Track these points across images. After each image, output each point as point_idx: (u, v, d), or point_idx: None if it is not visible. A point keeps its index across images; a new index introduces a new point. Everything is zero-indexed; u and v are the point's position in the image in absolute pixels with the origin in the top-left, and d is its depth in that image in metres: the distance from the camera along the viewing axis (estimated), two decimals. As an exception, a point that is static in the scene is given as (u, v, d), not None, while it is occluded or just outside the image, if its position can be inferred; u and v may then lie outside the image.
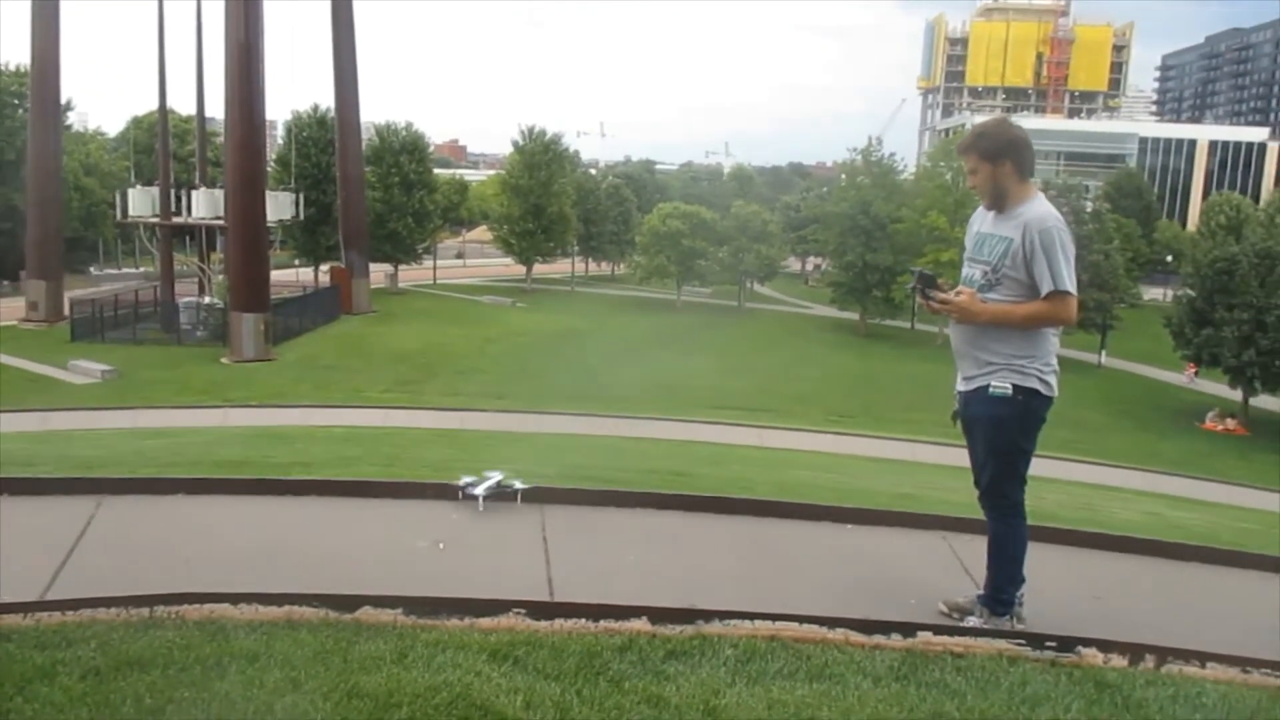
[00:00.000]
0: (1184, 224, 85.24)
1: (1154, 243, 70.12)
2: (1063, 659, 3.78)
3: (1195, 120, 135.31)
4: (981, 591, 4.35)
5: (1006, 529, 4.25)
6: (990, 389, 4.07)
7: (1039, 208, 4.03)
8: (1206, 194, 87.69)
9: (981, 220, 4.24)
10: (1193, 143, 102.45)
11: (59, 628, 3.44)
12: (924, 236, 51.88)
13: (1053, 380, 4.10)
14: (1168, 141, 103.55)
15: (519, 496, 5.49)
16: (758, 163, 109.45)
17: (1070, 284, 3.94)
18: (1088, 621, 4.34)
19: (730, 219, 59.65)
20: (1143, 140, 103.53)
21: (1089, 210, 52.18)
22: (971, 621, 4.23)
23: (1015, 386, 4.04)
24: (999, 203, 4.10)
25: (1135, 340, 49.44)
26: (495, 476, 5.57)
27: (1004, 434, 4.14)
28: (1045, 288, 3.95)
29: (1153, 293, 63.76)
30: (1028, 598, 4.30)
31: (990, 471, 4.21)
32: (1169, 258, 66.51)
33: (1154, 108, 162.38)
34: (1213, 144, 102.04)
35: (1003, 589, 4.24)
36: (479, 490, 5.40)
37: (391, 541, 4.95)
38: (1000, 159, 4.04)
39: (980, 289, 4.10)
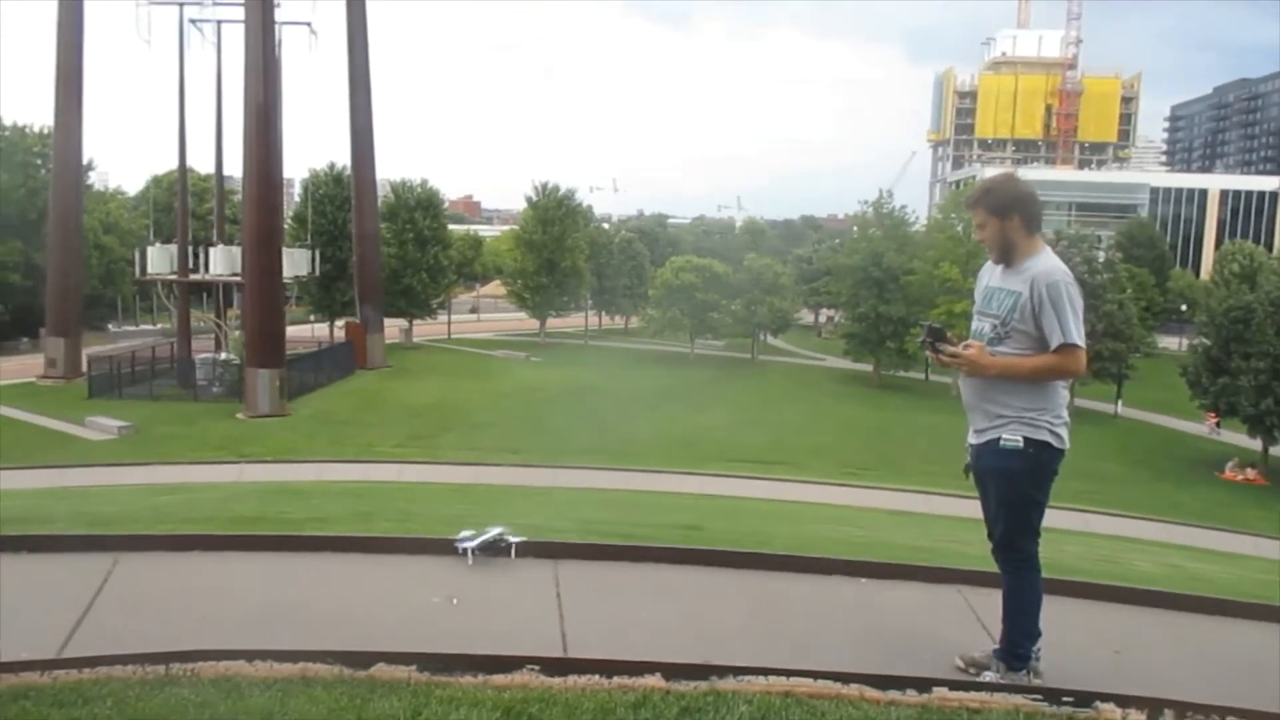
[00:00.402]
0: (1197, 273, 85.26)
1: (1168, 292, 70.08)
2: (1080, 715, 3.74)
3: (1206, 170, 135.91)
4: (997, 646, 4.32)
5: (1020, 582, 4.23)
6: (1001, 442, 4.08)
7: (1047, 262, 4.07)
8: (1219, 243, 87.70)
9: (990, 274, 4.28)
10: (1204, 192, 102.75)
11: (76, 685, 3.46)
12: (936, 288, 51.93)
13: (1063, 432, 4.10)
14: (1179, 191, 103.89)
15: (513, 550, 5.49)
16: (770, 215, 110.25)
17: (1079, 337, 3.96)
18: (1106, 676, 4.30)
19: (743, 272, 59.86)
20: (1154, 190, 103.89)
21: (1101, 260, 52.15)
22: (988, 677, 4.19)
23: (1026, 439, 4.05)
24: (1007, 257, 4.15)
25: (1151, 390, 49.19)
26: (494, 531, 5.57)
27: (1016, 487, 4.14)
28: (1054, 341, 3.98)
29: (1167, 342, 63.57)
30: (1045, 651, 4.26)
31: (1003, 525, 4.21)
32: (1183, 307, 66.39)
33: (1164, 158, 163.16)
34: (1224, 193, 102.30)
35: (1019, 643, 4.21)
36: (473, 544, 5.40)
37: (406, 597, 4.96)
38: (1008, 214, 4.09)
39: (990, 342, 4.13)
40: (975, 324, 4.27)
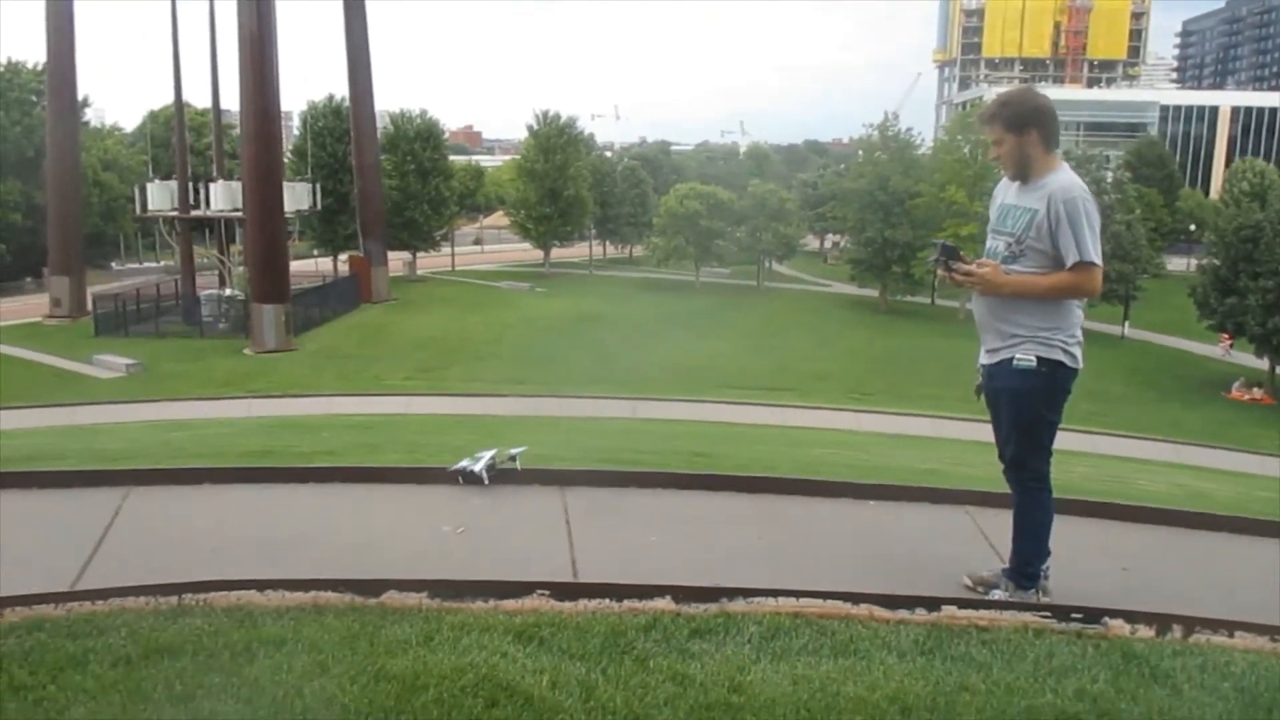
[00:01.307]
0: (1207, 192, 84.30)
1: (1177, 212, 69.35)
2: (1089, 630, 3.76)
3: (1217, 87, 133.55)
4: (1006, 565, 4.33)
5: (1031, 502, 4.22)
6: (1015, 361, 4.03)
7: (1064, 178, 3.98)
8: (1229, 161, 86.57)
9: (1005, 192, 4.19)
10: (1215, 109, 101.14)
11: (90, 617, 3.48)
12: (943, 211, 51.49)
13: (1077, 351, 4.06)
14: (1189, 109, 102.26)
15: (518, 461, 5.53)
16: (774, 140, 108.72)
17: (1095, 255, 3.89)
18: (1114, 593, 4.32)
19: (747, 198, 59.38)
20: (1164, 108, 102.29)
21: (1110, 180, 51.54)
22: (996, 595, 4.21)
23: (1040, 359, 4.01)
24: (1023, 173, 4.05)
25: (1159, 311, 49.02)
26: (490, 453, 5.57)
27: (1028, 406, 4.11)
28: (1070, 259, 3.91)
29: (1176, 263, 63.13)
30: (1054, 570, 4.28)
31: (1015, 444, 4.18)
32: (1192, 227, 65.79)
33: (1175, 75, 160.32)
34: (1235, 110, 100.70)
35: (1028, 562, 4.22)
36: (479, 467, 5.41)
37: (415, 526, 4.98)
38: (1026, 129, 3.99)
39: (1004, 260, 4.06)
40: (990, 242, 4.19)
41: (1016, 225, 4.03)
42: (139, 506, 5.07)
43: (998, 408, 4.22)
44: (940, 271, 4.19)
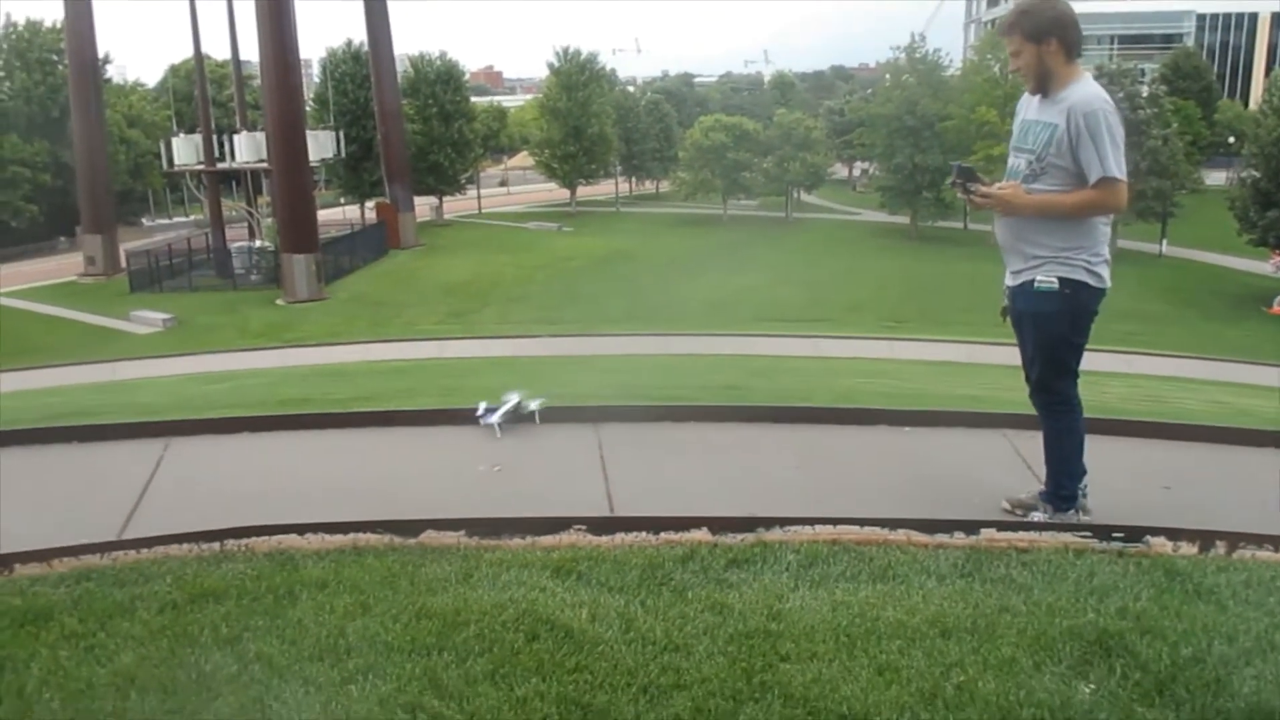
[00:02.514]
0: (1246, 103, 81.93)
1: (1215, 125, 67.56)
2: (1130, 549, 3.73)
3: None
4: (1043, 488, 4.29)
5: (1059, 426, 4.16)
6: (1036, 284, 3.93)
7: (1085, 89, 3.84)
8: (1269, 70, 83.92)
9: (1027, 106, 4.06)
10: (1254, 16, 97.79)
11: (135, 565, 3.55)
12: (974, 133, 50.45)
13: (1103, 271, 3.94)
14: (1226, 17, 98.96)
15: (536, 417, 5.49)
16: (798, 68, 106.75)
17: (1119, 169, 3.76)
18: (1156, 512, 4.27)
19: (773, 128, 58.51)
20: (1200, 17, 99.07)
21: (1145, 95, 50.21)
22: (1036, 518, 4.18)
23: (1062, 279, 3.90)
24: (1044, 86, 3.91)
25: (1197, 227, 48.06)
26: (513, 399, 5.54)
27: (1052, 329, 4.02)
28: (1093, 175, 3.78)
29: (1215, 177, 61.73)
30: (1094, 491, 4.23)
31: (1039, 367, 4.10)
32: (1231, 139, 64.11)
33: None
34: (1276, 16, 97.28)
35: (1063, 485, 4.17)
36: (495, 418, 5.39)
37: (452, 467, 5.02)
38: (1046, 38, 3.84)
39: (1025, 179, 3.94)
40: (1011, 160, 4.06)
41: (1037, 142, 3.90)
42: (180, 457, 5.13)
43: (1022, 330, 4.14)
44: (960, 194, 4.08)
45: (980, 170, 4.23)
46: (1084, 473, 4.19)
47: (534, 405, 5.53)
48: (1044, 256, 3.92)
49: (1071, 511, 4.16)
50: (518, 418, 5.47)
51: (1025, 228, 3.97)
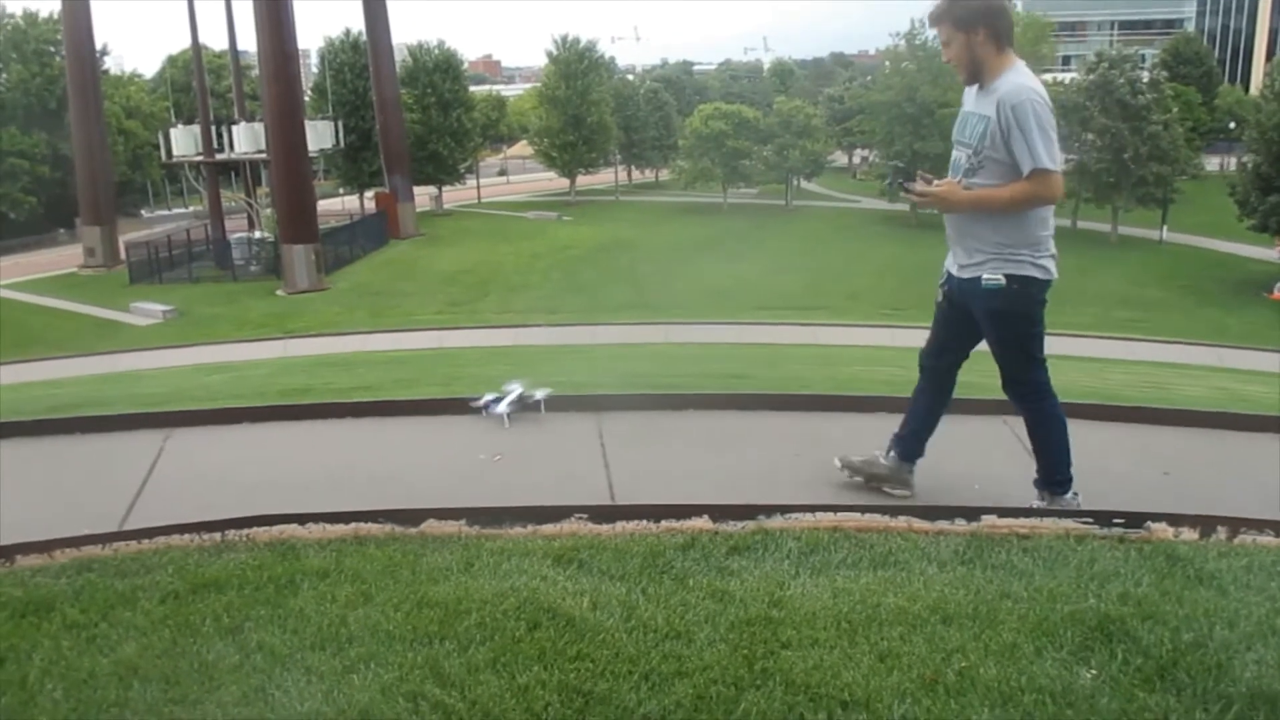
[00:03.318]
0: (1247, 88, 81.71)
1: (1215, 110, 67.38)
2: (1131, 535, 3.73)
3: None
4: (1036, 476, 4.27)
5: (1038, 413, 4.16)
6: (983, 281, 3.92)
7: (1014, 79, 3.78)
8: (1270, 55, 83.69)
9: (967, 97, 4.03)
10: (1254, 1, 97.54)
11: (137, 555, 3.55)
12: (974, 120, 50.33)
13: (1048, 264, 3.93)
14: (1227, 1, 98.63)
15: (541, 408, 5.48)
16: (798, 55, 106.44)
17: (1051, 160, 3.71)
18: (1156, 497, 4.29)
19: (773, 116, 58.36)
20: (1201, 2, 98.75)
21: (1146, 80, 50.05)
22: (1035, 504, 4.18)
23: (1008, 276, 3.88)
24: (977, 76, 3.88)
25: (1198, 213, 47.98)
26: (516, 389, 5.54)
27: (1006, 325, 4.03)
28: (1025, 167, 3.73)
29: (1216, 163, 61.60)
30: (1094, 477, 4.24)
31: (1005, 362, 4.12)
32: (1232, 125, 63.94)
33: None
34: (1276, 1, 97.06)
35: (1055, 469, 4.16)
36: (501, 407, 5.39)
37: (452, 456, 5.02)
38: (974, 27, 3.79)
39: (965, 173, 3.91)
40: (954, 153, 4.02)
41: (973, 135, 3.87)
42: (180, 447, 5.13)
43: (958, 320, 4.15)
44: (901, 194, 4.08)
45: (907, 163, 4.22)
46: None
47: (540, 395, 5.52)
48: (989, 252, 3.90)
49: (1070, 495, 4.15)
50: (523, 407, 5.46)
51: (970, 222, 3.95)
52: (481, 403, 5.46)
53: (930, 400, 4.37)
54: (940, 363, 4.34)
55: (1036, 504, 4.17)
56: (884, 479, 4.41)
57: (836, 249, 44.02)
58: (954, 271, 4.11)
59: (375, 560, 3.46)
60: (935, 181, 4.01)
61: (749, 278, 35.30)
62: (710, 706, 2.61)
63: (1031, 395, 4.13)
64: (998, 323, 4.02)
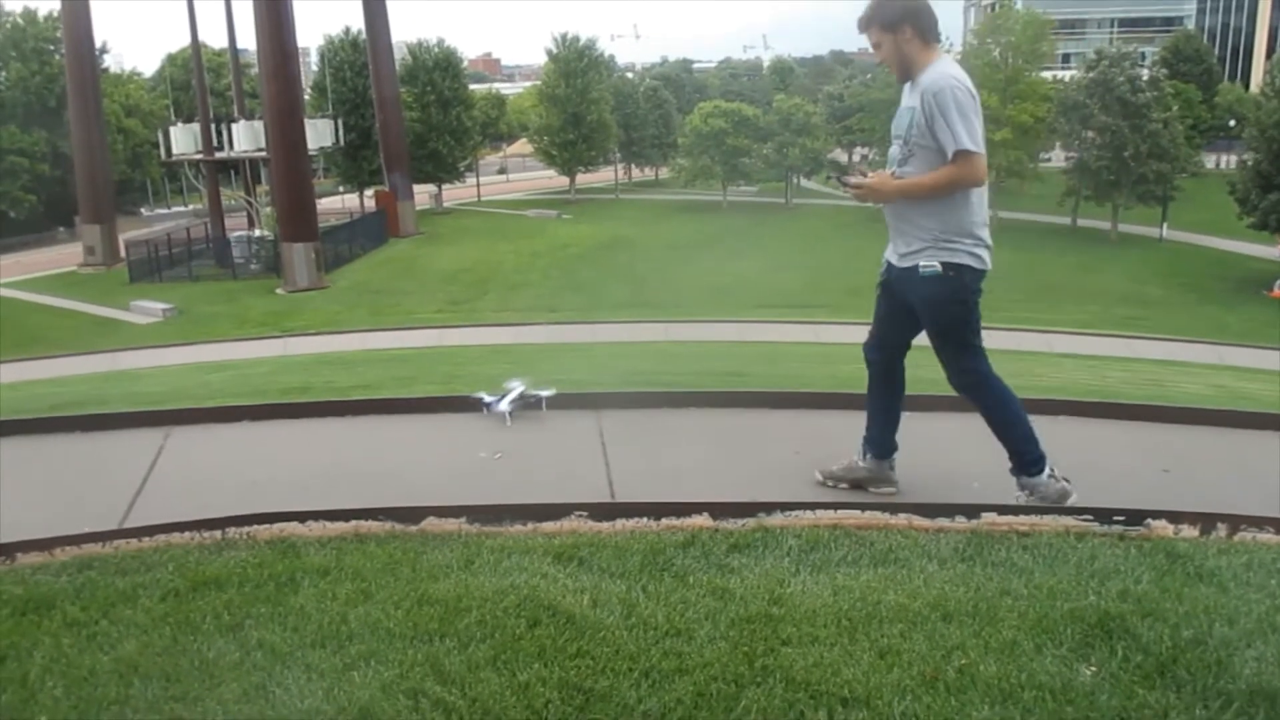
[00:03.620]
0: (1247, 86, 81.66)
1: (1215, 108, 67.35)
2: (1131, 532, 3.73)
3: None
4: (1010, 465, 4.28)
5: (986, 399, 4.20)
6: (920, 269, 4.00)
7: (936, 69, 3.91)
8: (1270, 53, 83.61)
9: (902, 94, 4.14)
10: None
11: (137, 553, 3.55)
12: (974, 117, 50.31)
13: (982, 253, 4.00)
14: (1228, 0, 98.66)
15: (544, 406, 5.48)
16: (798, 53, 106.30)
17: (971, 142, 3.80)
18: (1157, 495, 4.28)
19: (772, 114, 58.30)
20: (1201, 0, 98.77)
21: (1146, 78, 50.03)
22: (1020, 498, 4.19)
23: (944, 264, 3.96)
24: (908, 73, 3.99)
25: (1198, 211, 47.95)
26: (518, 387, 5.54)
27: (943, 313, 4.08)
28: (949, 150, 3.83)
29: (1216, 161, 61.57)
30: (1096, 473, 4.25)
31: (943, 351, 4.17)
32: (1232, 122, 63.92)
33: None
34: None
35: (1024, 451, 4.19)
36: (503, 405, 5.39)
37: (452, 454, 5.02)
38: (900, 26, 3.92)
39: (899, 164, 4.02)
40: (891, 148, 4.15)
41: (902, 126, 3.99)
42: (180, 446, 5.14)
43: (898, 308, 4.21)
44: (841, 188, 4.20)
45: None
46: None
47: (543, 394, 5.52)
48: (925, 240, 3.98)
49: (1045, 473, 4.16)
50: (526, 405, 5.46)
51: (906, 211, 4.04)
52: (485, 400, 5.46)
53: (882, 397, 4.42)
54: (881, 355, 4.40)
55: (1019, 495, 4.18)
56: (866, 481, 4.43)
57: (836, 247, 43.91)
58: (894, 261, 4.17)
59: (376, 558, 3.46)
60: (868, 174, 4.12)
61: (749, 276, 35.29)
62: (710, 704, 2.61)
63: (976, 385, 4.19)
64: (934, 311, 4.08)
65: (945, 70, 3.89)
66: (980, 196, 3.99)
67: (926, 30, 3.95)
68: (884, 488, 4.39)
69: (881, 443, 4.41)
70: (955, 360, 4.17)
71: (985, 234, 4.02)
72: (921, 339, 4.32)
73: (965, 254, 3.96)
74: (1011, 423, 4.18)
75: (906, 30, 3.92)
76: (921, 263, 3.99)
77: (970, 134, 3.81)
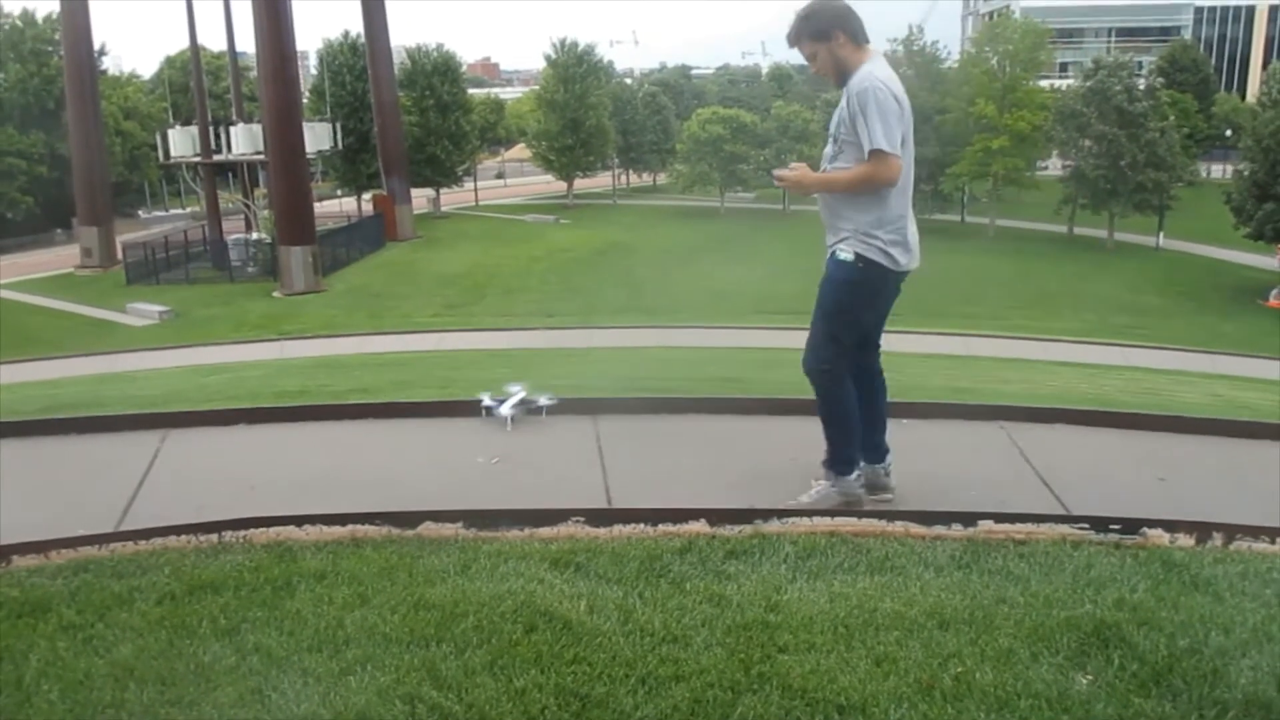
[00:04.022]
0: (1243, 96, 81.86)
1: (1212, 117, 67.53)
2: (1127, 541, 3.74)
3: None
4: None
5: (824, 392, 4.25)
6: (836, 253, 4.13)
7: (863, 69, 3.97)
8: (1267, 63, 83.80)
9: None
10: (1251, 9, 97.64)
11: (133, 556, 3.55)
12: (971, 126, 50.39)
13: (896, 253, 4.07)
14: (1224, 10, 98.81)
15: (544, 412, 5.48)
16: (797, 60, 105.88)
17: (885, 143, 3.86)
18: (1152, 503, 4.29)
19: (771, 121, 58.38)
20: (1198, 10, 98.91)
21: (1142, 87, 50.16)
22: (815, 489, 4.25)
23: (858, 255, 4.06)
24: (845, 77, 4.04)
25: (1194, 220, 48.02)
26: (520, 392, 5.54)
27: (834, 293, 4.18)
28: (865, 148, 3.91)
29: (1213, 170, 61.73)
30: (1090, 482, 4.27)
31: (814, 329, 4.25)
32: (1228, 132, 64.09)
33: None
34: (1273, 9, 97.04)
35: (838, 450, 4.26)
36: (505, 409, 5.39)
37: (449, 459, 5.02)
38: (830, 35, 4.00)
39: (830, 159, 4.13)
40: (825, 147, 4.26)
41: (834, 124, 4.10)
42: (177, 448, 5.13)
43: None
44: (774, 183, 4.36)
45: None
46: (855, 448, 4.28)
47: (544, 401, 5.51)
48: (848, 231, 4.09)
49: (853, 476, 4.24)
50: (527, 410, 5.45)
51: (833, 204, 4.15)
52: (486, 403, 5.45)
53: (862, 401, 4.40)
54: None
55: (820, 485, 4.26)
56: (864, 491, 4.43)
57: (834, 254, 43.96)
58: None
59: (372, 562, 3.46)
60: (792, 166, 4.28)
61: (746, 282, 35.28)
62: (707, 710, 2.61)
63: (822, 375, 4.24)
64: (827, 288, 4.19)
65: (872, 71, 3.95)
66: (899, 196, 4.06)
67: (856, 33, 4.02)
68: (880, 494, 4.39)
69: (871, 444, 4.42)
70: (818, 346, 4.24)
71: (906, 234, 4.10)
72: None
73: (878, 250, 4.05)
74: (838, 424, 4.27)
75: (839, 36, 4.00)
76: (840, 249, 4.11)
77: (887, 135, 3.87)
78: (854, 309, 4.21)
